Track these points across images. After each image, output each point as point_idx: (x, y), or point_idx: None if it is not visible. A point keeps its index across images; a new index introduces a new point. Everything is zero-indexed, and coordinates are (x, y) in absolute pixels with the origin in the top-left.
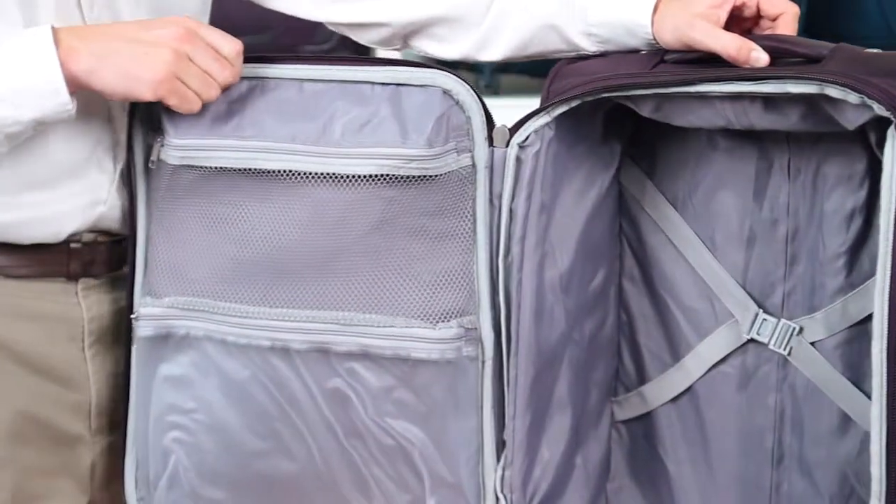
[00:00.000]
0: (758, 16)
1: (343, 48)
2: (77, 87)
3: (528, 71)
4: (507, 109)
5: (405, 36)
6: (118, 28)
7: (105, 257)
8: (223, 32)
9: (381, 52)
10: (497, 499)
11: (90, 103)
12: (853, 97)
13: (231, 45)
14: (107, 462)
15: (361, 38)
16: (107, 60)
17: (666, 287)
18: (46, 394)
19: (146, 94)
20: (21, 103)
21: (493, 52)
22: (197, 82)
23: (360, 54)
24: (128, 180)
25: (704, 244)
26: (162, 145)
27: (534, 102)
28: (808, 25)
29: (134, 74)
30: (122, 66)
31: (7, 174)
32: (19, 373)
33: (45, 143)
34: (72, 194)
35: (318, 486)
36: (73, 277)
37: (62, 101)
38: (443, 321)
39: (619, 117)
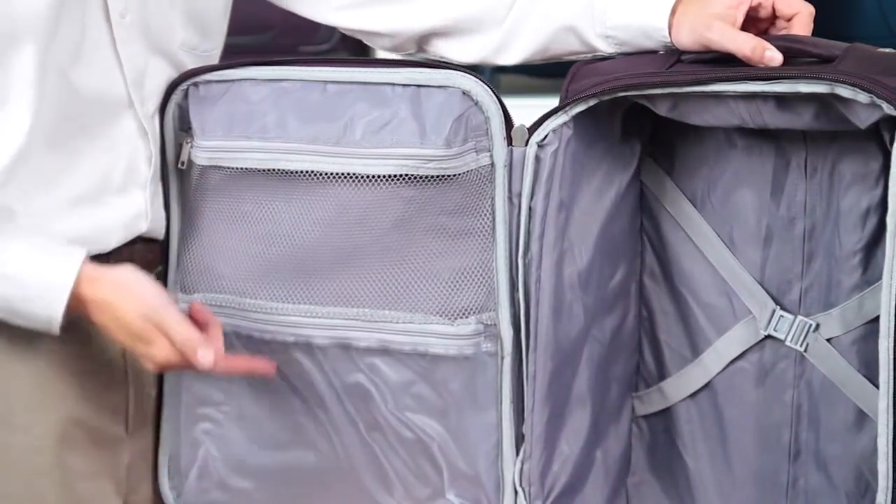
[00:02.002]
0: (773, 16)
1: (342, 49)
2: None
3: (528, 70)
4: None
5: (420, 40)
6: (123, 325)
7: (142, 257)
8: (192, 336)
9: (382, 54)
10: (516, 492)
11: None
12: (863, 96)
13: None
14: (140, 463)
15: (376, 43)
16: (108, 329)
17: (685, 284)
18: (89, 396)
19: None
20: (13, 315)
21: (512, 56)
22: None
23: (359, 55)
24: (162, 182)
25: (723, 241)
26: (191, 146)
27: (534, 102)
28: None
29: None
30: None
31: (48, 200)
32: (65, 377)
33: (83, 168)
34: (115, 210)
35: (340, 477)
36: None
37: (52, 329)
38: (461, 317)
39: (638, 117)
